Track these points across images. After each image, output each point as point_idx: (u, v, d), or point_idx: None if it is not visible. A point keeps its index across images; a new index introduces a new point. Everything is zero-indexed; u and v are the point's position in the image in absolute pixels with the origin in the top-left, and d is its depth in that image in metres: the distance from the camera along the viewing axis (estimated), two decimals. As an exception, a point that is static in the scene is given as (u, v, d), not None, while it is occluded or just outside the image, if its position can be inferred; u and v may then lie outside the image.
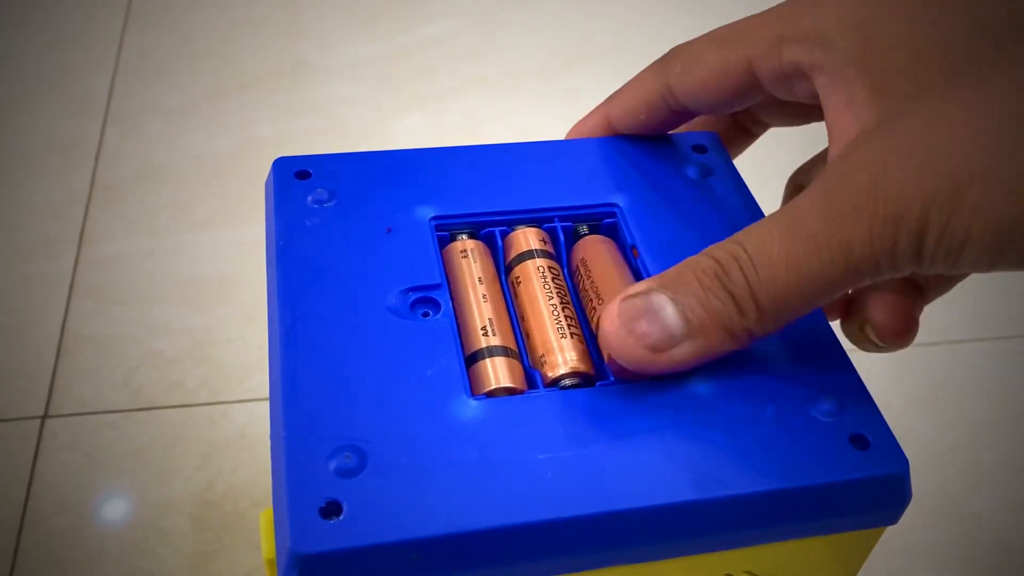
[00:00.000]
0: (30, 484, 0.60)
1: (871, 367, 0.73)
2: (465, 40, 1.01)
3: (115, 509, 0.59)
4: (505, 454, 0.30)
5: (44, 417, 0.63)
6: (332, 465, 0.29)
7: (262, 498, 0.60)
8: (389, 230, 0.37)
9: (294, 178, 0.38)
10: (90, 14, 1.01)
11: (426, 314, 0.34)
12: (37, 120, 0.87)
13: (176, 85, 0.93)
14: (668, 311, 0.30)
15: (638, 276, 0.37)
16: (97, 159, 0.84)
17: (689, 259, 0.31)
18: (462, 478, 0.29)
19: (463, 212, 0.38)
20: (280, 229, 0.36)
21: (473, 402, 0.32)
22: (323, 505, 0.28)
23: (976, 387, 0.71)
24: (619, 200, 0.38)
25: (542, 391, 0.32)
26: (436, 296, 0.35)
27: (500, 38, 1.02)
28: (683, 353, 0.30)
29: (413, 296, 0.35)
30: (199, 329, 0.70)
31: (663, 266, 0.36)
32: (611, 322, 0.31)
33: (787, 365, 0.34)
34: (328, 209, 0.37)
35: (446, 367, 0.32)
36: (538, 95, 0.95)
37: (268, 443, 0.63)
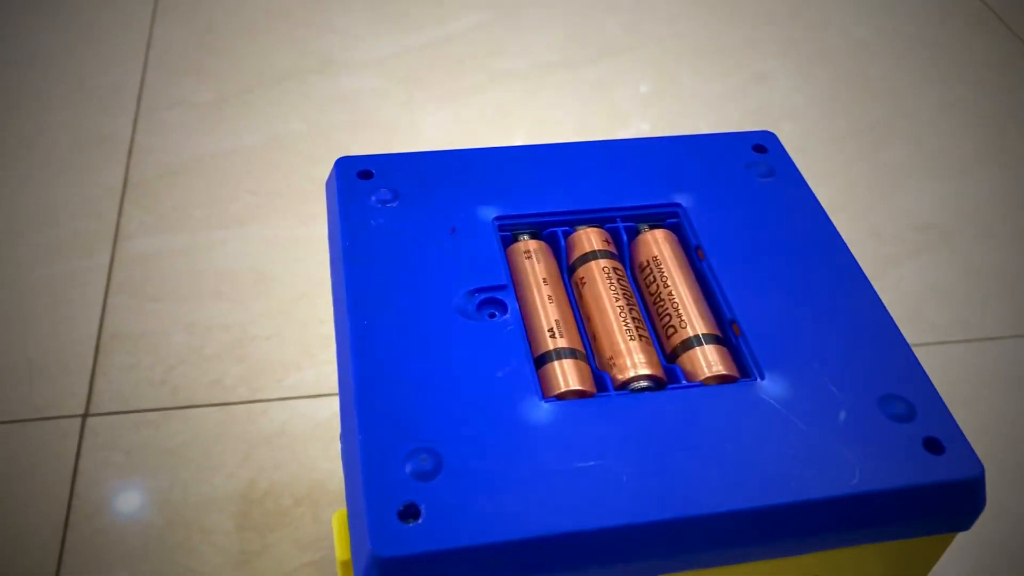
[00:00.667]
0: (73, 482, 0.60)
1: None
2: (493, 33, 1.01)
3: (157, 507, 0.59)
4: (579, 458, 0.30)
5: (85, 415, 0.64)
6: (408, 468, 0.29)
7: (304, 495, 0.60)
8: (453, 230, 0.36)
9: (357, 178, 0.38)
10: (118, 8, 1.01)
11: (492, 315, 0.34)
12: (68, 116, 0.87)
13: (206, 80, 0.93)
14: None
15: (703, 278, 0.36)
16: (129, 155, 0.84)
17: None
18: (537, 482, 0.29)
19: (525, 212, 0.37)
20: (345, 229, 0.36)
21: (545, 405, 0.31)
22: (401, 508, 0.28)
23: (1011, 383, 0.71)
24: (682, 199, 0.38)
25: (613, 394, 0.32)
26: (503, 297, 0.35)
27: (527, 31, 1.01)
28: None
29: (480, 297, 0.35)
30: (235, 326, 0.70)
31: (728, 268, 0.36)
32: None
33: (856, 366, 0.33)
34: (392, 209, 0.37)
35: (516, 369, 0.32)
36: (566, 88, 0.94)
37: (308, 441, 0.63)
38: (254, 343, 0.69)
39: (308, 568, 0.57)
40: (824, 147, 0.91)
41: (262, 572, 0.57)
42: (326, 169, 0.83)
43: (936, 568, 0.59)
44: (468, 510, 0.28)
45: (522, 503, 0.29)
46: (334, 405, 0.65)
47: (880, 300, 0.36)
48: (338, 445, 0.63)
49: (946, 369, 0.72)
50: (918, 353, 0.74)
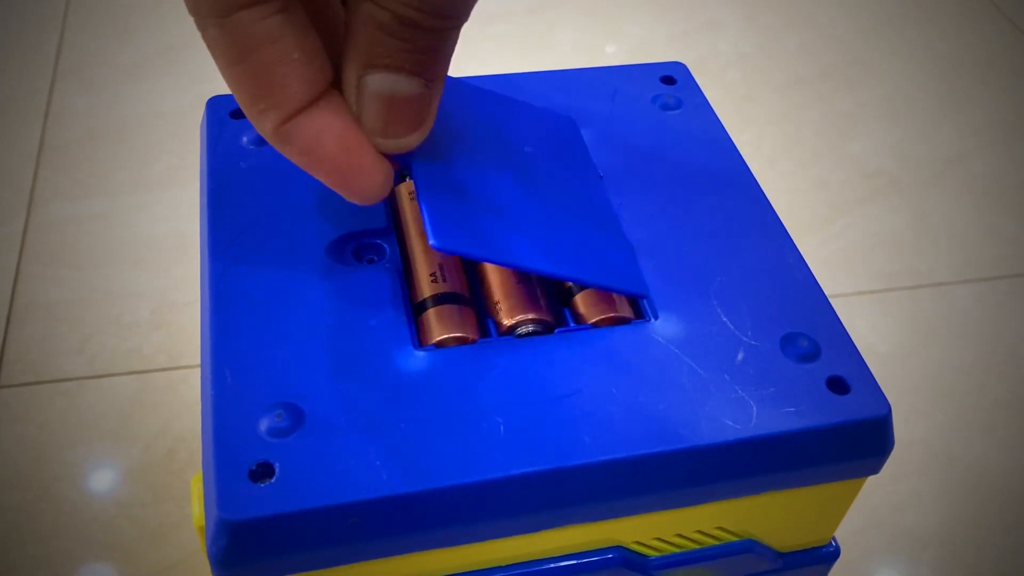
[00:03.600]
0: (-20, 457, 0.57)
1: (854, 311, 0.71)
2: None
3: (72, 481, 0.57)
4: (454, 409, 0.28)
5: (-6, 387, 0.61)
6: (264, 425, 0.27)
7: (225, 464, 0.57)
8: (329, 172, 0.34)
9: (229, 118, 0.35)
10: (38, -32, 0.96)
11: (371, 260, 0.32)
12: (-17, 79, 0.83)
13: (129, 38, 0.89)
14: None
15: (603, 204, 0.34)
16: (46, 118, 0.80)
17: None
18: (407, 436, 0.27)
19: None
20: (212, 172, 0.33)
21: (420, 354, 0.29)
22: (253, 467, 0.26)
23: (961, 330, 0.69)
24: (583, 134, 0.36)
25: (493, 340, 0.30)
26: (381, 241, 0.32)
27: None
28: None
29: (356, 242, 0.32)
30: (156, 292, 0.67)
31: (626, 203, 0.34)
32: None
33: (757, 303, 0.31)
34: (264, 151, 0.34)
35: (391, 317, 0.30)
36: (505, 40, 0.91)
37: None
38: (175, 309, 0.66)
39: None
40: (772, 94, 0.88)
41: (182, 545, 0.55)
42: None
43: (893, 518, 0.58)
44: (327, 468, 0.26)
45: (387, 459, 0.26)
46: (259, 371, 0.63)
47: (788, 235, 0.33)
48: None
49: (896, 316, 0.70)
50: (867, 301, 0.72)
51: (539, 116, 0.35)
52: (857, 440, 0.29)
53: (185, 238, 0.71)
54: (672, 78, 0.39)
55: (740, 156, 0.36)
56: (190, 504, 0.56)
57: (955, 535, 0.58)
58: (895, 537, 0.57)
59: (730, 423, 0.28)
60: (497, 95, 0.34)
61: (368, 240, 0.32)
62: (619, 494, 0.28)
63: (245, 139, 0.35)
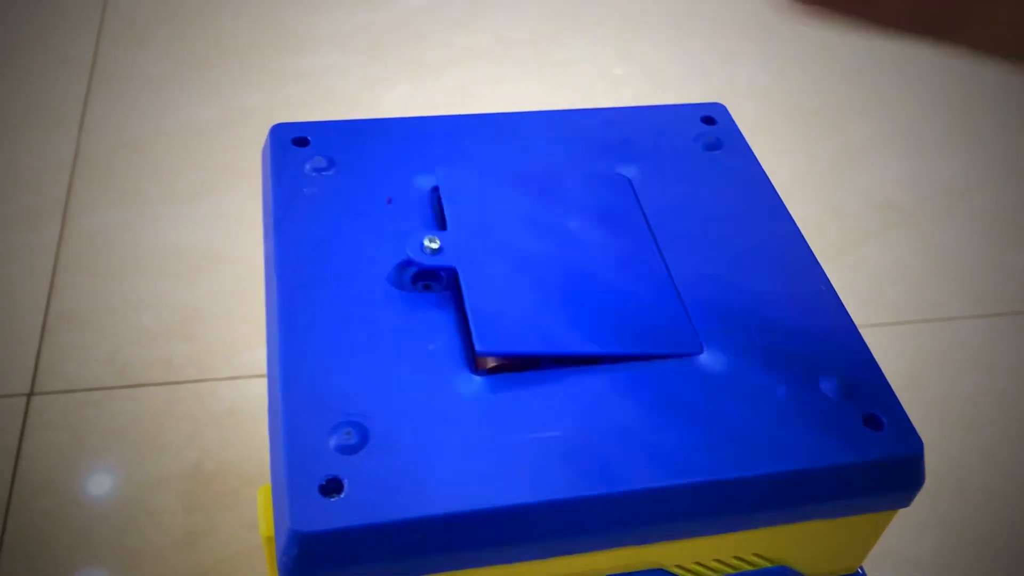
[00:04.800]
0: (16, 463, 0.58)
1: (870, 345, 0.73)
2: (455, 9, 0.99)
3: (102, 488, 0.58)
4: (510, 432, 0.29)
5: (30, 395, 0.62)
6: (333, 441, 0.28)
7: (253, 476, 0.59)
8: (390, 201, 0.35)
9: (292, 145, 0.37)
10: (71, -20, 0.98)
11: (427, 287, 0.33)
12: (18, 85, 0.85)
13: (161, 52, 0.90)
14: None
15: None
16: (81, 128, 0.82)
17: None
18: (466, 457, 0.28)
19: (471, 180, 0.36)
20: (278, 198, 0.35)
21: (477, 379, 0.31)
22: (323, 482, 0.27)
23: (968, 363, 0.71)
24: (627, 171, 0.37)
25: (548, 368, 0.31)
26: (439, 269, 0.34)
27: (490, 7, 1.00)
28: None
29: (414, 268, 0.33)
30: (185, 304, 0.68)
31: (672, 239, 0.35)
32: None
33: (797, 340, 0.33)
34: (327, 178, 0.36)
35: (448, 342, 0.31)
36: (529, 64, 0.93)
37: (259, 421, 0.62)
38: (204, 321, 0.67)
39: (255, 549, 0.56)
40: (787, 125, 0.90)
41: (209, 553, 0.56)
42: (283, 145, 0.81)
43: (899, 546, 0.59)
44: (394, 484, 0.28)
45: (449, 478, 0.28)
46: (286, 384, 0.64)
47: (826, 275, 0.35)
48: (289, 424, 0.62)
49: (904, 349, 0.72)
50: (877, 333, 0.74)
51: (588, 183, 0.36)
52: (891, 475, 0.30)
53: (215, 251, 0.72)
54: (712, 118, 0.40)
55: (779, 197, 0.37)
56: (254, 516, 0.56)
57: (962, 563, 0.59)
58: (902, 564, 0.59)
59: (771, 456, 0.30)
60: (543, 176, 0.36)
61: (426, 267, 0.33)
62: (664, 520, 0.30)
63: (308, 166, 0.36)
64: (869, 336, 0.73)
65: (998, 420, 0.67)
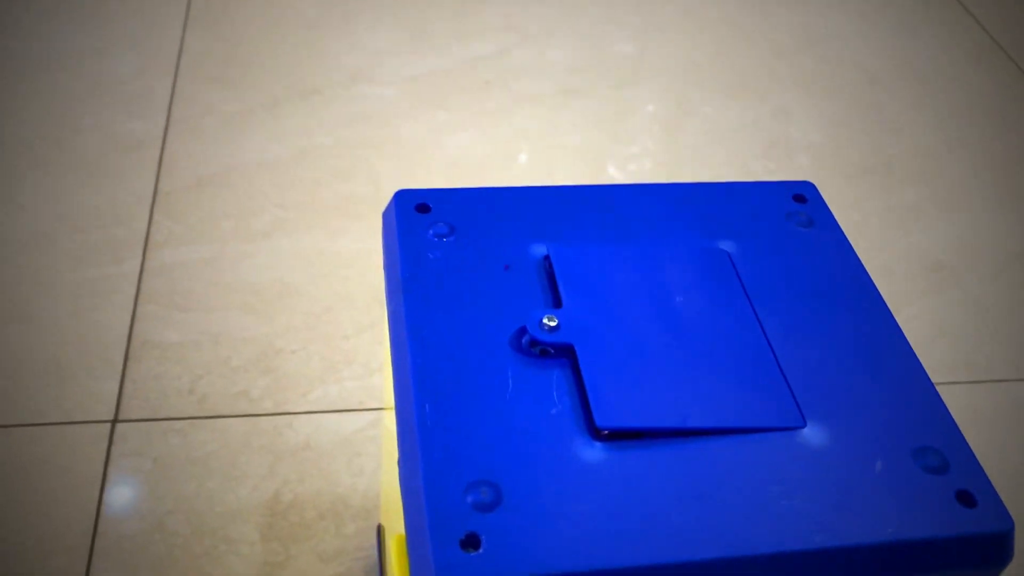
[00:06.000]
0: (102, 488, 0.61)
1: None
2: (517, 57, 1.02)
3: (184, 515, 0.60)
4: (629, 497, 0.32)
5: (114, 422, 0.65)
6: (470, 499, 0.31)
7: (327, 509, 0.61)
8: (507, 267, 0.38)
9: (415, 211, 0.39)
10: (151, 15, 1.02)
11: (544, 352, 0.36)
12: (99, 120, 0.89)
13: (235, 90, 0.94)
14: None
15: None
16: (160, 163, 0.85)
17: None
18: (593, 518, 0.31)
19: (578, 249, 0.39)
20: (405, 261, 0.37)
21: (597, 444, 0.33)
22: (463, 537, 0.30)
23: (1019, 426, 0.72)
24: (726, 246, 0.40)
25: (663, 437, 0.34)
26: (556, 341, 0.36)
27: (553, 56, 1.03)
28: None
29: (533, 335, 0.36)
30: (262, 338, 0.71)
31: (771, 315, 0.38)
32: None
33: (891, 416, 0.35)
34: (448, 243, 0.38)
35: (568, 407, 0.34)
36: (590, 114, 0.96)
37: (333, 456, 0.65)
38: (280, 356, 0.70)
39: (331, 581, 0.58)
40: (839, 182, 0.93)
41: (285, 583, 0.58)
42: (352, 184, 0.84)
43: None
44: (527, 542, 0.30)
45: (578, 537, 0.30)
46: (358, 420, 0.66)
47: (913, 352, 0.37)
48: (361, 460, 0.64)
49: (954, 410, 0.73)
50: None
51: (689, 256, 0.39)
52: (981, 551, 0.32)
53: (289, 287, 0.75)
54: (803, 196, 0.43)
55: (867, 274, 0.40)
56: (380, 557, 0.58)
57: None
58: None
59: (871, 527, 0.32)
60: (647, 250, 0.39)
61: (546, 343, 0.36)
62: (771, 582, 0.32)
63: (431, 232, 0.39)
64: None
65: (1048, 483, 0.69)
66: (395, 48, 1.02)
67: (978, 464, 0.34)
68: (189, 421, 0.65)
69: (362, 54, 1.00)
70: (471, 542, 0.30)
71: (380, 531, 0.52)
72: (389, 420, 0.44)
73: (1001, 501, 0.33)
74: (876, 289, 0.40)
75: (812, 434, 0.34)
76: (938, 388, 0.76)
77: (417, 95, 0.96)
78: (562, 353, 0.36)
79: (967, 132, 1.01)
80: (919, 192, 0.93)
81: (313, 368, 0.69)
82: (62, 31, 0.99)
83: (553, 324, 0.35)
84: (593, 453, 0.33)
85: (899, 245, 0.87)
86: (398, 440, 0.34)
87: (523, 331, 0.36)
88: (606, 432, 0.33)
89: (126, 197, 0.81)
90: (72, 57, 0.96)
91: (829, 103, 1.02)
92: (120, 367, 0.68)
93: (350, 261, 0.76)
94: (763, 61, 1.07)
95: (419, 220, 0.39)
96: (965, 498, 0.33)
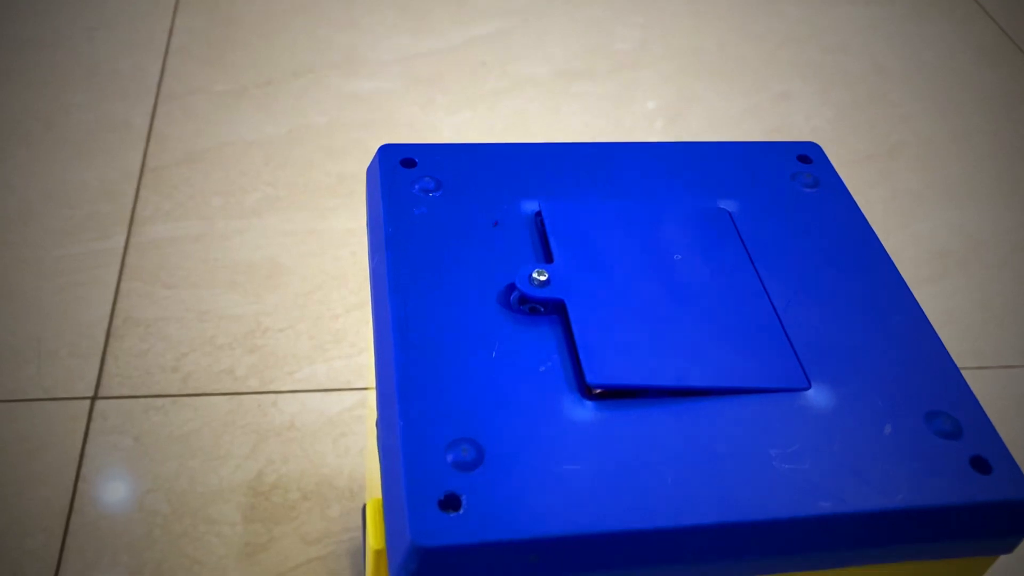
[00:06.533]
0: (80, 465, 0.59)
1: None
2: (515, 40, 1.01)
3: (164, 495, 0.58)
4: (622, 457, 0.30)
5: (94, 398, 0.63)
6: (450, 457, 0.29)
7: (312, 490, 0.59)
8: (496, 224, 0.36)
9: (400, 166, 0.38)
10: (141, -5, 1.00)
11: (534, 309, 0.34)
12: (87, 98, 0.87)
13: (226, 70, 0.92)
14: None
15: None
16: (148, 140, 0.83)
17: None
18: (579, 479, 0.29)
19: (571, 208, 0.37)
20: (388, 216, 0.35)
21: (587, 403, 0.31)
22: (442, 498, 0.28)
23: (1028, 415, 0.71)
24: (728, 206, 0.38)
25: (657, 396, 0.32)
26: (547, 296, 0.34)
27: (550, 40, 1.01)
28: None
29: (522, 292, 0.34)
30: (249, 317, 0.69)
31: (775, 276, 0.36)
32: None
33: (901, 379, 0.33)
34: (435, 199, 0.36)
35: (558, 364, 0.32)
36: (588, 97, 0.94)
37: (319, 436, 0.63)
38: (267, 335, 0.68)
39: (315, 563, 0.56)
40: (842, 169, 0.91)
41: (268, 566, 0.56)
42: (345, 164, 0.82)
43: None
44: (510, 503, 0.28)
45: (563, 499, 0.28)
46: (345, 400, 0.64)
47: (925, 316, 0.35)
48: (347, 440, 0.62)
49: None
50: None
51: (689, 216, 0.37)
52: (997, 519, 0.30)
53: (278, 266, 0.73)
54: (808, 157, 0.41)
55: (875, 236, 0.38)
56: (364, 530, 0.56)
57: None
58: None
59: (878, 493, 0.30)
60: (643, 208, 0.37)
61: (536, 298, 0.34)
62: (767, 553, 0.30)
63: (416, 187, 0.37)
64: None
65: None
66: (391, 28, 1.00)
67: (993, 429, 0.32)
68: (172, 399, 0.63)
69: (357, 34, 0.98)
70: (451, 503, 0.28)
71: (365, 511, 0.50)
72: (373, 400, 0.42)
73: (1018, 467, 0.31)
74: (885, 251, 0.38)
75: (817, 396, 0.32)
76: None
77: (413, 76, 0.94)
78: (553, 310, 0.34)
79: (973, 121, 0.99)
80: (923, 180, 0.91)
81: (300, 347, 0.67)
82: (51, 10, 0.97)
83: (543, 279, 0.33)
84: (583, 412, 0.31)
85: (903, 232, 0.85)
86: (376, 401, 0.32)
87: (512, 288, 0.34)
88: (597, 390, 0.31)
89: (113, 174, 0.79)
90: (62, 35, 0.94)
91: (834, 91, 1.00)
92: (102, 344, 0.66)
93: (341, 241, 0.75)
94: (767, 48, 1.05)
95: (404, 175, 0.37)
96: (979, 464, 0.31)
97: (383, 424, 0.31)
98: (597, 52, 1.01)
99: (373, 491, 0.50)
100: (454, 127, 0.89)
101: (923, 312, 0.36)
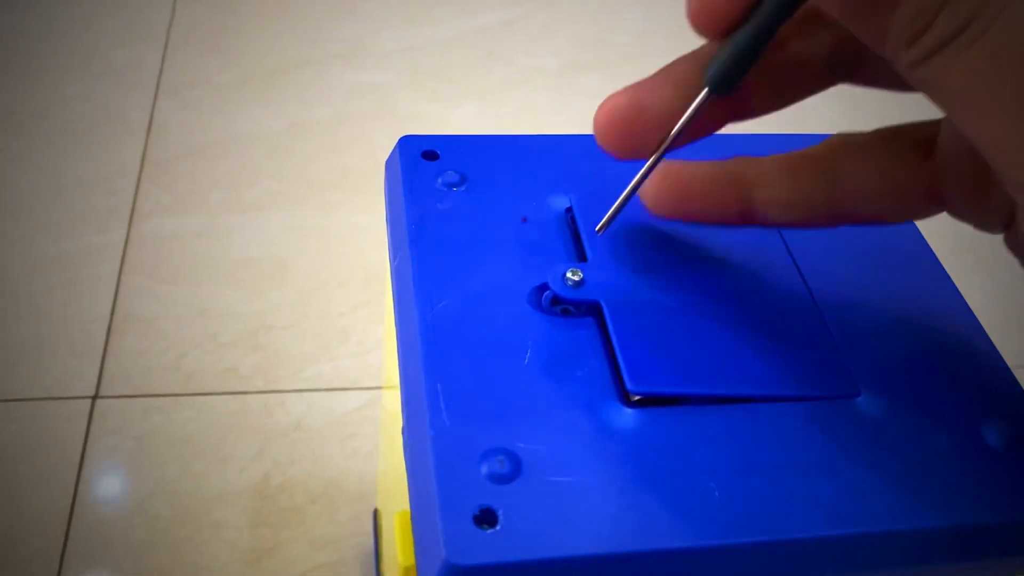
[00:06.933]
0: (80, 468, 0.57)
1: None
2: (523, 30, 0.99)
3: (167, 498, 0.56)
4: (665, 470, 0.28)
5: (95, 398, 0.61)
6: (484, 469, 0.27)
7: (320, 493, 0.57)
8: (525, 219, 0.34)
9: (421, 159, 0.36)
10: (139, -16, 0.98)
11: (566, 311, 0.32)
12: (86, 90, 0.85)
13: (228, 61, 0.90)
14: None
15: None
16: (148, 133, 0.81)
17: None
18: (623, 492, 0.27)
19: (604, 204, 0.35)
20: (411, 213, 0.34)
21: (628, 411, 0.29)
22: (477, 513, 0.26)
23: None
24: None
25: (701, 404, 0.30)
26: (580, 298, 0.32)
27: (559, 29, 0.99)
28: None
29: (554, 292, 0.32)
30: (252, 314, 0.67)
31: (822, 279, 0.34)
32: None
33: (956, 387, 0.31)
34: (459, 193, 0.35)
35: (595, 369, 0.30)
36: (596, 89, 0.92)
37: (326, 437, 0.61)
38: (271, 332, 0.66)
39: (323, 569, 0.54)
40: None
41: (274, 572, 0.54)
42: (349, 158, 0.80)
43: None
44: (550, 519, 0.26)
45: (606, 515, 0.26)
46: (352, 400, 0.63)
47: (978, 320, 0.34)
48: (356, 442, 0.60)
49: None
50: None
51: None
52: (1062, 536, 0.29)
53: (281, 262, 0.71)
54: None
55: (921, 234, 0.36)
56: (392, 542, 0.54)
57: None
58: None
59: (934, 508, 0.28)
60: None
61: (570, 300, 0.32)
62: (823, 571, 0.28)
63: (440, 180, 0.35)
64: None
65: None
66: (395, 17, 0.98)
67: (1054, 440, 0.30)
68: (173, 398, 0.62)
69: (361, 24, 0.96)
70: (486, 518, 0.26)
71: (376, 516, 0.49)
72: (387, 399, 0.41)
73: (1081, 480, 0.29)
74: (933, 252, 0.36)
75: (868, 404, 0.30)
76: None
77: (418, 67, 0.92)
78: (587, 312, 0.32)
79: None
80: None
81: (306, 345, 0.65)
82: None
83: (578, 278, 0.31)
84: (623, 420, 0.29)
85: (922, 227, 0.83)
86: (402, 409, 0.30)
87: (543, 287, 0.32)
88: (638, 397, 0.30)
89: (112, 167, 0.77)
90: (59, 26, 0.92)
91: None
92: (102, 342, 0.64)
93: (346, 236, 0.73)
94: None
95: (426, 168, 0.36)
96: (1041, 476, 0.29)
97: (411, 433, 0.29)
98: (607, 42, 0.99)
99: (383, 495, 0.49)
100: (461, 119, 0.87)
101: (973, 313, 0.34)
